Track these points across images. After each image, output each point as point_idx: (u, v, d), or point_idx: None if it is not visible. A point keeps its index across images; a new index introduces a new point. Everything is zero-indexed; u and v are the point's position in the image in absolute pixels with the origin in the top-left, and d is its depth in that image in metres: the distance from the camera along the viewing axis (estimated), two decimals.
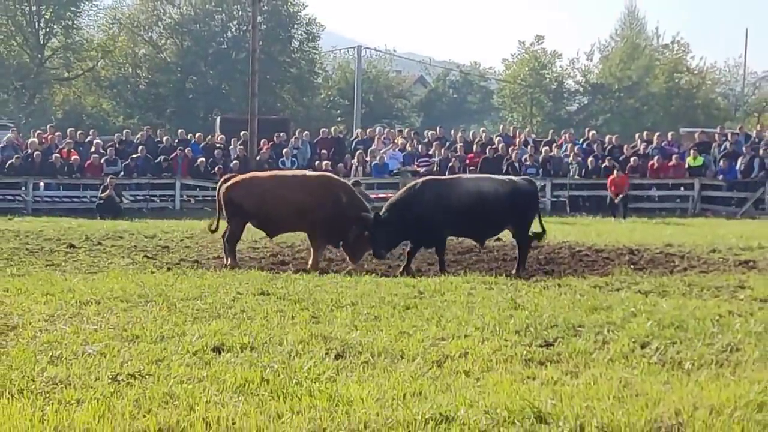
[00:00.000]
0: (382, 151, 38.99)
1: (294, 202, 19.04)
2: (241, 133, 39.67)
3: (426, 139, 41.54)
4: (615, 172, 34.20)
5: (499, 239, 21.00)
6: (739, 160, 36.59)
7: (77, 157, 37.37)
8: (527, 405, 7.37)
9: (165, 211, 35.16)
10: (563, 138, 41.63)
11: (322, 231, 18.95)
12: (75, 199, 36.36)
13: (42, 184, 36.73)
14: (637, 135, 42.08)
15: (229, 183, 19.85)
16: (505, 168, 35.15)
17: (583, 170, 37.56)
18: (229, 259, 19.19)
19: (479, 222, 18.26)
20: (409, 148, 39.89)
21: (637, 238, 23.72)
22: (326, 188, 19.40)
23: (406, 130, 48.76)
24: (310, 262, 18.87)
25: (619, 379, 8.40)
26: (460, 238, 20.59)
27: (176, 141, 40.09)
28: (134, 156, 37.82)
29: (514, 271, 17.63)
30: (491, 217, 18.12)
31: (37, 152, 36.95)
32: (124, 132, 43.98)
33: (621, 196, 33.07)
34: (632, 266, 18.07)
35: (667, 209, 35.70)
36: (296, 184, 19.76)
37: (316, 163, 38.11)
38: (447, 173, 34.25)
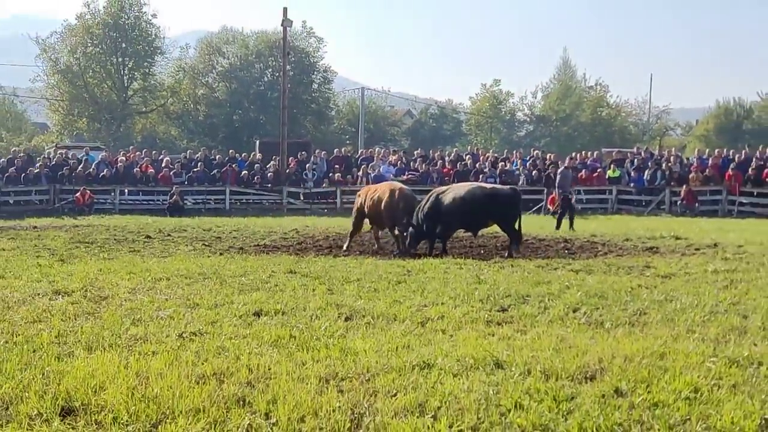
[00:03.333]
0: (380, 166, 39.03)
1: (375, 204, 19.08)
2: (295, 156, 39.62)
3: (413, 157, 41.52)
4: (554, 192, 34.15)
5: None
6: (646, 172, 36.63)
7: (152, 170, 37.53)
8: (488, 355, 7.38)
9: (218, 211, 35.13)
10: (514, 156, 41.65)
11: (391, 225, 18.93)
12: (151, 202, 36.29)
13: (126, 190, 36.73)
14: (574, 153, 42.11)
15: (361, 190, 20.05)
16: (473, 179, 35.32)
17: (529, 180, 37.68)
18: (344, 245, 19.42)
19: (467, 219, 18.05)
20: (399, 164, 39.98)
21: (569, 230, 23.71)
22: (392, 195, 19.27)
23: (397, 150, 48.90)
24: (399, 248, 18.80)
25: (556, 335, 8.40)
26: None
27: (226, 159, 40.08)
28: (195, 170, 37.92)
29: (506, 255, 17.47)
30: (475, 216, 17.91)
31: (123, 167, 37.08)
32: (188, 152, 44.01)
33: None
34: (566, 251, 18.09)
35: (592, 209, 35.63)
36: (378, 191, 19.59)
37: (330, 175, 38.28)
38: (428, 182, 34.42)
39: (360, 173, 38.60)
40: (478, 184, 19.62)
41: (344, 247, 19.20)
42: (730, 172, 35.12)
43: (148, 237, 21.44)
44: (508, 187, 19.70)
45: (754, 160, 35.73)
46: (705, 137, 71.56)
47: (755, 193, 34.19)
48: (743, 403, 6.11)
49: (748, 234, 21.42)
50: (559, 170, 25.71)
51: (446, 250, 18.00)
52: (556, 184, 25.92)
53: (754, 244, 18.27)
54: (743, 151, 38.23)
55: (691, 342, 8.07)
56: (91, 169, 36.77)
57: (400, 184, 20.41)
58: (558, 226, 24.06)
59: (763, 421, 5.76)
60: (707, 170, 36.08)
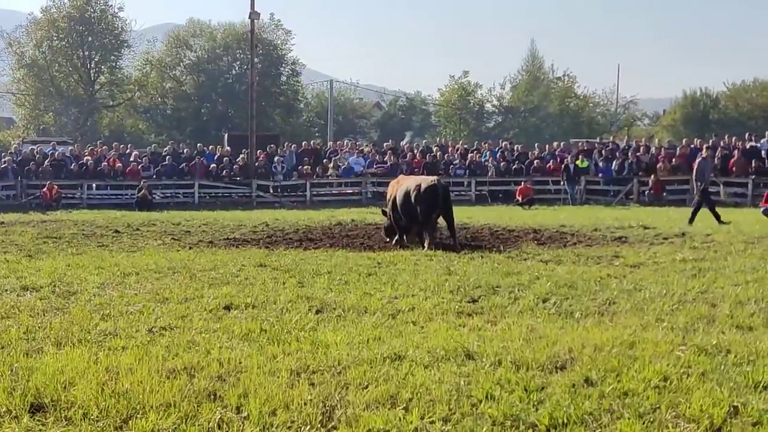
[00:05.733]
0: (348, 159, 39.06)
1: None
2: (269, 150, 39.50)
3: (383, 149, 41.54)
4: (523, 183, 34.26)
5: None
6: (614, 163, 36.82)
7: (120, 164, 37.32)
8: (459, 346, 7.40)
9: (186, 205, 34.92)
10: (484, 147, 41.73)
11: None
12: (119, 197, 36.09)
13: (94, 185, 36.49)
14: (537, 144, 42.26)
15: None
16: (443, 169, 35.52)
17: (498, 171, 37.82)
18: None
19: (406, 211, 17.83)
20: (372, 155, 40.00)
21: (538, 220, 23.78)
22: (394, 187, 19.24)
23: (367, 143, 48.92)
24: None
25: (527, 325, 8.44)
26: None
27: (195, 152, 39.87)
28: (163, 163, 37.74)
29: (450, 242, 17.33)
30: (408, 207, 17.52)
31: (90, 161, 36.87)
32: (155, 146, 43.79)
33: (527, 199, 32.90)
34: (536, 242, 18.03)
35: (561, 199, 35.78)
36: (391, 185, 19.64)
37: (299, 168, 38.22)
38: (397, 174, 34.41)
39: (330, 165, 38.62)
40: (422, 178, 19.11)
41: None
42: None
43: (117, 232, 21.26)
44: (436, 178, 18.79)
45: (719, 148, 36.00)
46: (672, 127, 72.09)
47: (722, 183, 34.46)
48: (712, 390, 6.16)
49: (716, 223, 21.58)
50: (697, 160, 23.93)
51: (422, 243, 17.61)
52: (694, 176, 23.93)
53: (721, 233, 18.44)
54: (710, 141, 38.50)
55: (660, 331, 8.13)
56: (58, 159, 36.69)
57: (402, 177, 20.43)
58: (691, 220, 22.18)
59: (732, 409, 5.82)
60: (674, 160, 36.36)
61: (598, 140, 44.63)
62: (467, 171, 37.82)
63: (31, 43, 61.61)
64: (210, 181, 37.44)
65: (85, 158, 37.41)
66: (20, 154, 37.81)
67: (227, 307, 9.53)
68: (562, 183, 35.54)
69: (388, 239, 18.78)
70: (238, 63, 67.06)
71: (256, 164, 38.40)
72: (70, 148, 41.00)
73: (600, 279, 11.57)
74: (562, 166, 36.46)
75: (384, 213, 19.32)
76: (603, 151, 38.35)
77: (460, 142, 46.48)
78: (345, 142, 46.56)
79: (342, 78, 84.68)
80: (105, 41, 62.43)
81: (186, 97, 65.57)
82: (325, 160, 39.66)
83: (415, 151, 40.43)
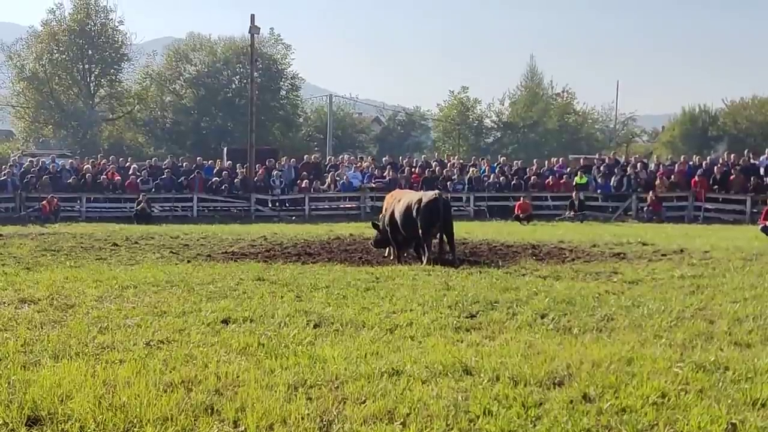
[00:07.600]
0: (347, 173, 39.09)
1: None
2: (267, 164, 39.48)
3: (382, 164, 41.58)
4: (522, 199, 34.18)
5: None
6: (613, 179, 36.84)
7: (119, 177, 37.35)
8: (457, 361, 7.39)
9: (185, 218, 34.90)
10: (483, 162, 41.78)
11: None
12: (118, 210, 36.09)
13: (93, 198, 36.48)
14: (536, 160, 42.29)
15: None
16: (442, 185, 35.46)
17: (497, 186, 37.83)
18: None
19: (407, 225, 17.85)
20: (369, 171, 40.01)
21: (537, 236, 23.74)
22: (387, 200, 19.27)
23: (367, 157, 49.01)
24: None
25: (525, 341, 8.43)
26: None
27: (194, 166, 39.88)
28: (162, 177, 37.78)
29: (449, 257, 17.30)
30: (409, 222, 17.45)
31: (89, 174, 36.92)
32: (154, 159, 43.82)
33: (526, 215, 32.75)
34: (534, 257, 18.01)
35: (559, 215, 35.72)
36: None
37: (298, 182, 38.23)
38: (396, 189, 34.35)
39: (329, 180, 38.68)
40: (422, 193, 18.97)
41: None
42: (696, 178, 35.41)
43: (115, 245, 21.24)
44: (435, 193, 18.53)
45: (719, 165, 36.06)
46: (671, 143, 72.18)
47: (720, 199, 34.48)
48: (710, 407, 6.15)
49: (714, 240, 21.57)
50: None
51: (420, 257, 17.61)
52: None
53: (719, 250, 18.41)
54: (708, 157, 38.52)
55: (659, 347, 8.12)
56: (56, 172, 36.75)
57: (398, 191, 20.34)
58: None
59: (730, 426, 5.80)
60: (673, 176, 36.38)
61: (597, 156, 44.64)
62: (466, 186, 37.83)
63: (32, 56, 61.79)
64: (209, 195, 37.46)
65: (85, 171, 37.46)
66: (19, 167, 37.83)
67: (225, 321, 9.51)
68: (567, 213, 35.10)
69: (386, 254, 18.79)
70: (237, 77, 67.21)
71: (255, 178, 38.45)
72: (69, 160, 41.06)
73: (598, 295, 11.56)
74: (569, 200, 35.91)
75: (374, 225, 19.28)
76: (602, 167, 38.37)
77: (455, 157, 46.56)
78: (344, 156, 46.64)
79: (341, 93, 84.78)
80: (105, 55, 62.63)
81: (185, 110, 65.69)
82: (324, 174, 39.72)
83: (414, 165, 40.49)
